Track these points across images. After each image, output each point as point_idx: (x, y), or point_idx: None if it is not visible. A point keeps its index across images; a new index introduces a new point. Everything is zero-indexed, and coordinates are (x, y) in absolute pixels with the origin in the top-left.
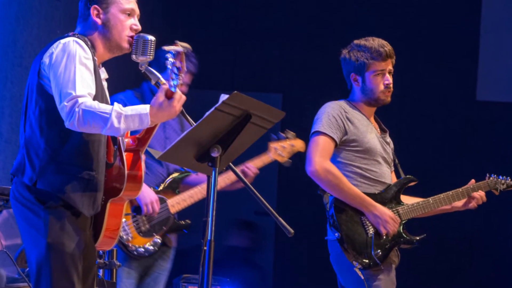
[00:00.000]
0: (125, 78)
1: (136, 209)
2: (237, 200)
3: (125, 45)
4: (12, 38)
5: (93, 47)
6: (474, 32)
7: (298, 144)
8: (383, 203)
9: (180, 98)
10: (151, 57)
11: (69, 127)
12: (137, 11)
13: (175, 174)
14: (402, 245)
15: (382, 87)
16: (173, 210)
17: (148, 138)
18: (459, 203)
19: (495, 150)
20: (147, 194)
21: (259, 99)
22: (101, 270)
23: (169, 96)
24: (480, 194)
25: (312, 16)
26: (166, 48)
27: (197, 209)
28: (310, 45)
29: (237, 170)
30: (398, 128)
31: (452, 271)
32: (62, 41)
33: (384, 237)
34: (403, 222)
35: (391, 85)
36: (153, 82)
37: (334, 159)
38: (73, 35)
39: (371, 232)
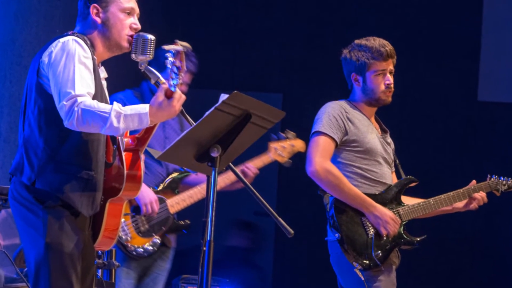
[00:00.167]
0: (124, 78)
1: (135, 209)
2: (237, 201)
3: (125, 44)
4: (11, 37)
5: (92, 46)
6: (475, 32)
7: (298, 144)
8: (384, 204)
9: (179, 97)
10: (150, 56)
11: (68, 127)
12: (137, 10)
13: (175, 174)
14: (403, 246)
15: (383, 87)
16: (172, 210)
17: (148, 138)
18: (460, 204)
19: (497, 150)
20: (147, 194)
21: (259, 98)
22: (100, 270)
23: (169, 95)
24: (481, 195)
25: (312, 15)
26: (166, 47)
27: (196, 209)
28: (310, 44)
29: (237, 170)
30: (398, 128)
31: (453, 272)
32: (62, 40)
33: (385, 238)
34: (404, 223)
35: (392, 85)
36: (152, 82)
37: (334, 160)
38: (73, 34)
39: (371, 233)
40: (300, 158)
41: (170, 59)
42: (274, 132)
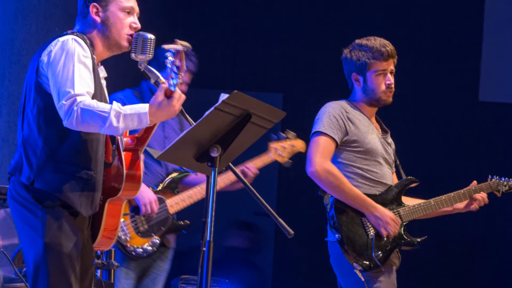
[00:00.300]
0: (124, 77)
1: (135, 209)
2: (236, 201)
3: (125, 43)
4: (10, 36)
5: (92, 45)
6: (476, 32)
7: (299, 144)
8: (384, 204)
9: (179, 97)
10: (150, 55)
11: (67, 126)
12: (137, 9)
13: (174, 174)
14: (403, 247)
15: (383, 87)
16: (172, 210)
17: (147, 138)
18: (460, 205)
19: (498, 151)
20: (146, 194)
21: (259, 98)
22: (99, 271)
23: (169, 95)
24: (482, 196)
25: (313, 14)
26: (166, 46)
27: (196, 210)
28: (311, 44)
29: (237, 170)
30: (399, 128)
31: (454, 273)
32: (61, 39)
33: (385, 238)
34: (404, 223)
35: (393, 85)
36: (152, 81)
37: (334, 160)
38: (72, 33)
39: (371, 233)
40: (300, 158)
41: (170, 58)
42: (274, 132)
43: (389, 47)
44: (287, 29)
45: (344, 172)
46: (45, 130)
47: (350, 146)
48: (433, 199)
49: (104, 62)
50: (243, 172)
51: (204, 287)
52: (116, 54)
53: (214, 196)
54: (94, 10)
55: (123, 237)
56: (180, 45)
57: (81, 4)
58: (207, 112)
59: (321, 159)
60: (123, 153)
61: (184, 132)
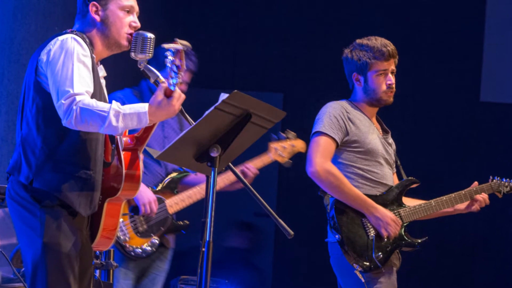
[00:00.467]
0: (123, 76)
1: (134, 209)
2: (236, 201)
3: (124, 42)
4: (9, 35)
5: (91, 45)
6: (478, 32)
7: (299, 145)
8: (385, 205)
9: (179, 96)
10: (150, 55)
11: (67, 126)
12: (137, 8)
13: (174, 174)
14: (404, 248)
15: (384, 87)
16: (171, 210)
17: (147, 137)
18: (461, 206)
19: (499, 152)
20: (145, 194)
21: (259, 98)
22: (97, 271)
23: (168, 94)
24: (483, 197)
25: (314, 14)
26: (166, 46)
27: (195, 210)
28: (312, 44)
29: (237, 170)
30: (400, 129)
31: (454, 275)
32: (60, 38)
33: (385, 239)
34: (405, 224)
35: (394, 86)
36: (152, 81)
37: (335, 160)
38: (71, 32)
39: (372, 234)
40: (300, 159)
41: (170, 57)
42: (274, 132)
43: (390, 47)
44: (287, 29)
45: (344, 173)
46: (44, 130)
47: (350, 147)
48: (434, 200)
49: (103, 61)
50: (243, 172)
51: None
52: (116, 53)
53: (214, 196)
54: (94, 9)
55: (122, 237)
56: (180, 44)
57: (81, 2)
58: (207, 112)
59: (321, 159)
60: (122, 153)
61: (184, 131)
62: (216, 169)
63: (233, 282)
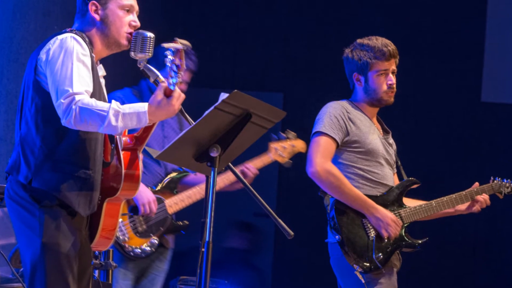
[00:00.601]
0: (123, 76)
1: (133, 209)
2: (236, 201)
3: (124, 42)
4: (8, 34)
5: (91, 44)
6: (479, 32)
7: (299, 145)
8: (385, 206)
9: (179, 96)
10: (150, 54)
11: (66, 125)
12: (136, 7)
13: (173, 174)
14: (404, 249)
15: (385, 87)
16: (170, 210)
17: (146, 137)
18: (462, 207)
19: (500, 152)
20: (145, 194)
21: (259, 98)
22: (96, 271)
23: (168, 94)
24: (484, 198)
25: (314, 14)
26: (165, 45)
27: (195, 210)
28: (312, 43)
29: (237, 170)
30: (401, 129)
31: (455, 275)
32: (60, 37)
33: (386, 240)
34: (405, 225)
35: (395, 86)
36: (151, 80)
37: (335, 160)
38: (71, 31)
39: (372, 235)
40: (300, 159)
41: (170, 57)
42: (274, 132)
43: (391, 46)
44: (288, 28)
45: (344, 173)
46: (43, 129)
47: (351, 147)
48: (434, 200)
49: (103, 61)
50: (243, 172)
51: None
52: (115, 53)
53: (214, 197)
54: (93, 8)
55: (121, 237)
56: (180, 43)
57: (80, 1)
58: (206, 112)
59: (321, 159)
60: (121, 153)
61: (184, 131)
62: (216, 169)
63: (232, 283)
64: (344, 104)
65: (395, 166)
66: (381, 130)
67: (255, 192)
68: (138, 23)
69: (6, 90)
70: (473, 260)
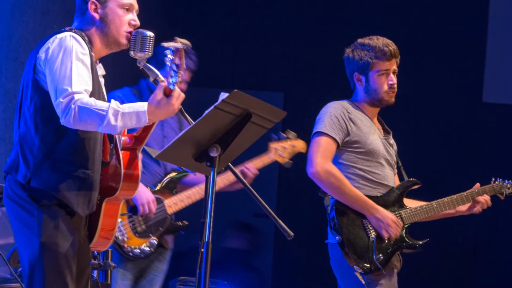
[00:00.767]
0: (122, 75)
1: (132, 209)
2: (236, 202)
3: (123, 41)
4: (7, 32)
5: (90, 43)
6: (481, 32)
7: (299, 145)
8: (386, 206)
9: (178, 96)
10: (149, 53)
11: (65, 124)
12: (136, 6)
13: (173, 174)
14: (405, 250)
15: (386, 87)
16: (170, 210)
17: (146, 137)
18: (463, 207)
19: (501, 153)
20: (144, 194)
21: (260, 98)
22: (95, 271)
23: (168, 93)
24: (485, 198)
25: (315, 13)
26: (165, 44)
27: (195, 210)
28: (312, 43)
29: (236, 170)
30: (401, 129)
31: (456, 277)
32: (59, 36)
33: (386, 241)
34: (406, 226)
35: (395, 86)
36: (151, 79)
37: (336, 161)
38: (70, 30)
39: (372, 236)
40: (301, 159)
41: (169, 56)
42: (274, 132)
43: (392, 46)
44: (288, 27)
45: (345, 173)
46: (42, 128)
47: (351, 147)
48: (435, 201)
49: (102, 60)
50: (243, 173)
51: None
52: (115, 52)
53: (213, 197)
54: (93, 6)
55: (120, 237)
56: (179, 43)
57: (80, 0)
58: (206, 111)
59: (322, 160)
60: (121, 152)
61: (183, 131)
62: (216, 169)
63: (232, 283)
64: (344, 104)
65: (395, 166)
66: (381, 131)
67: (255, 193)
68: (137, 22)
69: (5, 89)
70: (474, 261)
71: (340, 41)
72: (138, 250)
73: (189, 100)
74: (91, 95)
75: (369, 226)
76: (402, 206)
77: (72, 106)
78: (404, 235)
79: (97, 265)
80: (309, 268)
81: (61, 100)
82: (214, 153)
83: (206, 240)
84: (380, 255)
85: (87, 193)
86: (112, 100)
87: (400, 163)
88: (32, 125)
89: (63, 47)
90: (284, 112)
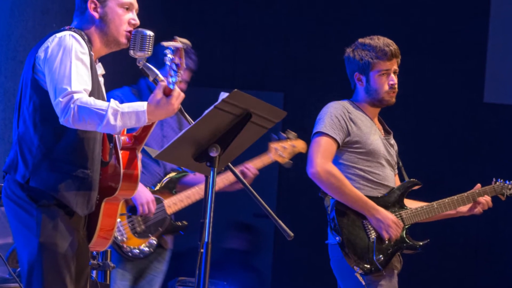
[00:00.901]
0: (122, 74)
1: (132, 209)
2: (235, 202)
3: (123, 40)
4: (6, 31)
5: (89, 42)
6: (482, 32)
7: (300, 145)
8: (386, 207)
9: (178, 95)
10: (149, 53)
11: (64, 124)
12: (136, 5)
13: (172, 174)
14: (405, 251)
15: (386, 87)
16: (169, 210)
17: (145, 136)
18: (464, 208)
19: (502, 153)
20: (143, 194)
21: (260, 97)
22: (94, 272)
23: (167, 93)
24: (486, 199)
25: (315, 12)
26: (165, 43)
27: (194, 210)
28: (313, 42)
29: (236, 170)
30: (402, 129)
31: (457, 277)
32: (58, 35)
33: (387, 242)
34: (406, 227)
35: (396, 86)
36: (151, 79)
37: (336, 161)
38: (70, 29)
39: (373, 236)
40: (301, 159)
41: (169, 56)
42: (274, 132)
43: (393, 46)
44: (289, 27)
45: (345, 174)
46: (41, 128)
47: (352, 147)
48: (436, 202)
49: (102, 59)
50: (243, 173)
51: None
52: (114, 51)
53: (213, 197)
54: (92, 5)
55: (119, 237)
56: (179, 42)
57: None
58: (206, 111)
59: (322, 160)
60: (120, 152)
61: (183, 131)
62: (215, 169)
63: (231, 284)
64: (345, 104)
65: (396, 167)
66: (382, 131)
67: (254, 193)
68: (137, 21)
69: (4, 88)
70: (475, 262)
71: (340, 41)
72: (137, 251)
73: (188, 99)
74: (90, 95)
75: (369, 226)
76: (402, 206)
77: (72, 105)
78: (404, 235)
79: (96, 265)
80: (309, 269)
81: (60, 99)
82: (214, 153)
83: (206, 240)
84: (381, 256)
85: (86, 193)
86: (112, 100)
87: (400, 164)
88: (31, 124)
89: (62, 46)
90: (284, 112)
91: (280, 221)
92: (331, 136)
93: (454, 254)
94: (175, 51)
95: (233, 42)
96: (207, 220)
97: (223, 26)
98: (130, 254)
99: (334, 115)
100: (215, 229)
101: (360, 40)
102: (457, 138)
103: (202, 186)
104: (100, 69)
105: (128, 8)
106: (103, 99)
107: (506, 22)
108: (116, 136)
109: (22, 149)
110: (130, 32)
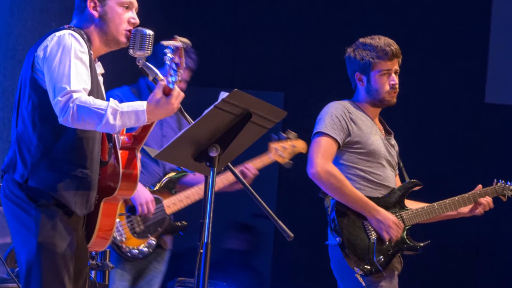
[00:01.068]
0: (121, 74)
1: (131, 209)
2: (235, 202)
3: (123, 39)
4: (5, 30)
5: (89, 41)
6: (483, 33)
7: (300, 145)
8: (387, 208)
9: (178, 95)
10: (149, 52)
11: (63, 123)
12: (136, 4)
13: (172, 174)
14: (405, 252)
15: (387, 87)
16: (169, 211)
17: (145, 136)
18: (465, 209)
19: (504, 154)
20: (142, 194)
21: (260, 97)
22: (93, 272)
23: (167, 92)
24: (487, 200)
25: (316, 12)
26: (165, 43)
27: (194, 211)
28: (313, 42)
29: (236, 170)
30: (403, 130)
31: (457, 279)
32: (57, 34)
33: (387, 243)
34: (407, 227)
35: (397, 86)
36: (150, 78)
37: (336, 161)
38: (69, 28)
39: (373, 237)
40: (301, 159)
41: (169, 55)
42: (275, 132)
43: (394, 46)
44: (289, 26)
45: (346, 174)
46: (40, 127)
47: (352, 148)
48: (437, 203)
49: (101, 58)
50: (243, 173)
51: None
52: (114, 50)
53: (213, 197)
54: (92, 4)
55: (118, 237)
56: (179, 41)
57: None
58: (206, 111)
59: (322, 160)
60: (119, 152)
61: (183, 131)
62: (215, 169)
63: (231, 284)
64: (346, 104)
65: (397, 167)
66: (383, 131)
67: (254, 193)
68: (137, 20)
69: (3, 87)
70: (475, 263)
71: (340, 41)
72: (137, 251)
73: (188, 99)
74: (89, 94)
75: (369, 227)
76: (403, 207)
77: (71, 105)
78: (405, 236)
79: (95, 265)
80: (309, 269)
81: (60, 98)
82: (213, 153)
83: (205, 240)
84: (381, 256)
85: (85, 192)
86: (111, 99)
87: (401, 164)
88: (30, 123)
89: (61, 45)
90: (285, 112)
91: (280, 222)
92: (331, 136)
93: (455, 255)
94: (175, 50)
95: (233, 42)
96: (207, 220)
97: (223, 25)
98: (129, 254)
99: (334, 115)
100: (214, 229)
101: (361, 39)
102: (458, 139)
103: (202, 186)
104: (100, 68)
105: (128, 7)
106: (102, 99)
107: (507, 22)
108: (115, 135)
109: (21, 148)
110: (129, 31)
